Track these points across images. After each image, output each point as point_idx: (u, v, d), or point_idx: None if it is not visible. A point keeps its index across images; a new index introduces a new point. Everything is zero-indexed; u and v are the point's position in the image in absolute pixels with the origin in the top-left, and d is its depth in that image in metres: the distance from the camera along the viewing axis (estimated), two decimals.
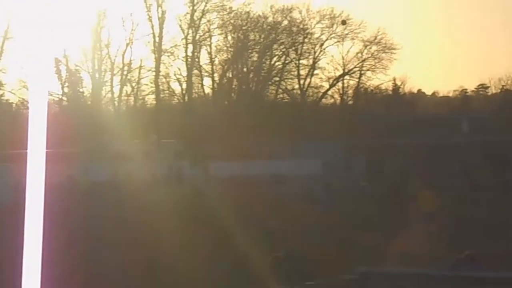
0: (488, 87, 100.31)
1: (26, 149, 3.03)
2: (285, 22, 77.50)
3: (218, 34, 75.58)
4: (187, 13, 71.05)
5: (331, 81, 79.57)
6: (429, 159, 53.76)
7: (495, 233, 27.07)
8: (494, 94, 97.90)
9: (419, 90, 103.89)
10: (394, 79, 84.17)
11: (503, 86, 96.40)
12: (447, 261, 13.15)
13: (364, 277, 10.45)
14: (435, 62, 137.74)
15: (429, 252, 23.05)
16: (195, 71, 74.02)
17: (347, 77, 79.86)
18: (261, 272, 17.67)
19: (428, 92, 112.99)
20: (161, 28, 69.22)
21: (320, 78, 79.76)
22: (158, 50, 69.37)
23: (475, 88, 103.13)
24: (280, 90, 79.59)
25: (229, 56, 75.93)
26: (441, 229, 25.54)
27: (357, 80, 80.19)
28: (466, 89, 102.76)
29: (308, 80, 78.55)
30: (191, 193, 37.26)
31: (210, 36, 74.35)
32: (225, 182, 42.25)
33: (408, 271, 11.28)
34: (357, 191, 41.14)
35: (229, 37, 76.37)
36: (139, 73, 71.50)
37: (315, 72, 78.93)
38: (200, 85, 76.70)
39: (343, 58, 79.06)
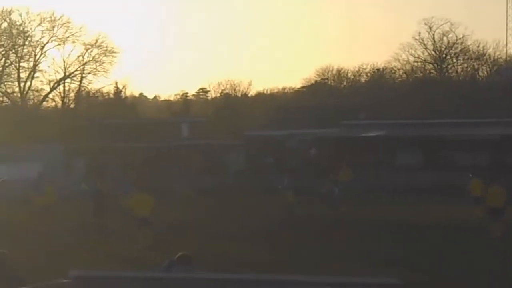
0: (208, 91, 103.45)
1: None
2: (5, 25, 75.92)
3: None
4: None
5: (52, 84, 78.91)
6: (150, 163, 54.50)
7: (212, 236, 28.13)
8: (214, 98, 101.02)
9: (140, 94, 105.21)
10: (116, 83, 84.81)
11: (222, 90, 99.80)
12: (161, 263, 13.51)
13: (78, 280, 10.64)
14: (157, 66, 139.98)
15: (143, 256, 23.50)
16: None
17: (68, 80, 79.52)
18: None
19: (150, 95, 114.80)
20: None
21: (41, 81, 78.96)
22: None
23: (196, 92, 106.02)
24: None
25: None
26: (156, 233, 25.96)
27: (78, 83, 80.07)
28: (187, 93, 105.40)
29: (28, 83, 77.51)
30: None
31: None
32: None
33: (123, 275, 11.58)
34: (78, 194, 41.28)
35: None
36: None
37: (36, 75, 78.07)
38: None
39: (64, 61, 78.67)
